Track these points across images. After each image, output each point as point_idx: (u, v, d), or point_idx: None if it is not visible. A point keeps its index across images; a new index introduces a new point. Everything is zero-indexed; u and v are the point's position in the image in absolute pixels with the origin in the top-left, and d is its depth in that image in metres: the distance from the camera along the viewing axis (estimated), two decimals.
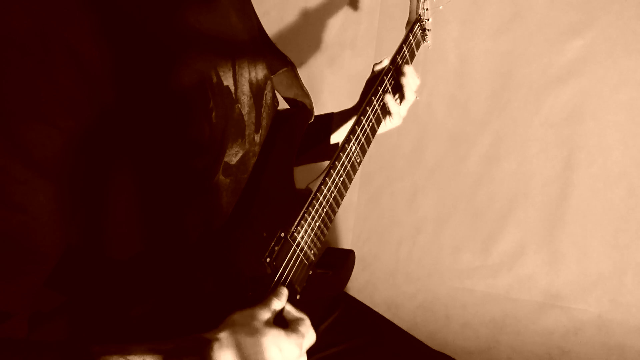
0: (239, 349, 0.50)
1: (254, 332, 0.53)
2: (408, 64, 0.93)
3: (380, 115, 0.88)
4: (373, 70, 0.92)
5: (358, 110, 0.86)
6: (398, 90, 0.90)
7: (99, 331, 0.49)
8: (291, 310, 0.62)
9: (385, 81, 0.86)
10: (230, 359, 0.50)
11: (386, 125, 0.92)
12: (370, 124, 0.85)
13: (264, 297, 0.61)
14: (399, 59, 0.90)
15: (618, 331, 1.43)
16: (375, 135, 0.88)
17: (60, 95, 0.42)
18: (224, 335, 0.51)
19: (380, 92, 0.86)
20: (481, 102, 1.61)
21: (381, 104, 0.86)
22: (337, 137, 0.96)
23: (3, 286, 0.43)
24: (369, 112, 0.84)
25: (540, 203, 1.54)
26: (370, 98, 0.84)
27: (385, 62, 0.90)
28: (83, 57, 0.43)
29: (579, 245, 1.49)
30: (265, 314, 0.57)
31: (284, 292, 0.63)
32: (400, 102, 0.90)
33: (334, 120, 0.96)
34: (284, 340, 0.55)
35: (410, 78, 0.88)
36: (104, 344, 0.45)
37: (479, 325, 1.61)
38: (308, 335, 0.60)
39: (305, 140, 0.81)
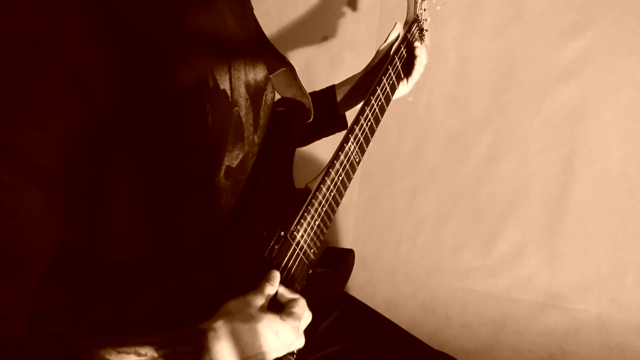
0: (235, 337, 0.50)
1: (249, 318, 0.53)
2: (394, 80, 0.96)
3: (379, 114, 0.88)
4: (386, 40, 0.98)
5: (366, 75, 0.96)
6: (410, 60, 0.96)
7: (96, 329, 0.49)
8: (284, 292, 0.62)
9: (401, 48, 0.93)
10: (227, 348, 0.50)
11: (399, 91, 0.98)
12: (369, 124, 0.85)
13: (257, 284, 0.60)
14: (392, 64, 0.90)
15: (618, 331, 1.43)
16: (385, 112, 0.91)
17: (52, 99, 0.42)
18: (218, 325, 0.51)
19: (403, 48, 0.93)
20: (481, 102, 1.61)
21: (391, 82, 0.91)
22: (346, 104, 1.00)
23: None
24: (367, 111, 0.84)
25: (540, 203, 1.54)
26: (375, 88, 0.85)
27: (397, 30, 0.96)
28: (76, 61, 0.43)
29: (579, 245, 1.49)
30: (259, 300, 0.57)
31: (276, 275, 0.62)
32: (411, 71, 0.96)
33: (338, 91, 0.99)
34: (279, 325, 0.55)
35: (422, 52, 0.95)
36: (95, 337, 0.45)
37: (479, 325, 1.61)
38: (304, 317, 0.60)
39: (315, 122, 0.83)
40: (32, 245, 0.44)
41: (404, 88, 0.99)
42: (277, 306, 0.60)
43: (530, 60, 1.51)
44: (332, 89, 1.00)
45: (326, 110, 0.98)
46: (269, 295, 0.59)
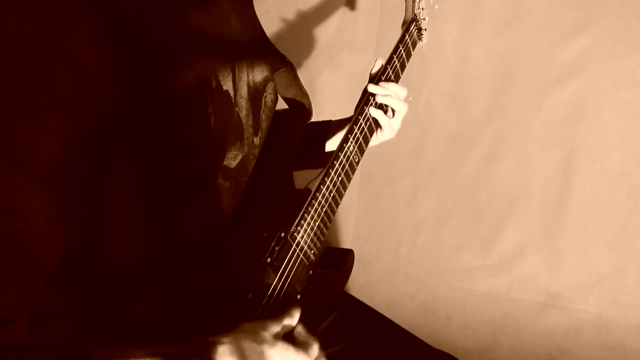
0: (242, 355, 0.50)
1: (261, 341, 0.53)
2: (392, 80, 0.89)
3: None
4: (370, 75, 0.90)
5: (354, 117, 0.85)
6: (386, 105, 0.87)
7: (100, 333, 0.49)
8: (302, 332, 0.61)
9: (370, 99, 0.85)
10: None
11: (378, 138, 0.91)
12: (368, 124, 0.85)
13: (277, 316, 0.60)
14: (391, 63, 0.89)
15: (618, 331, 1.43)
16: (369, 144, 0.86)
17: (59, 101, 0.42)
18: (228, 340, 0.50)
19: (368, 106, 0.84)
20: (481, 102, 1.61)
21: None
22: (332, 144, 0.95)
23: (1, 293, 0.42)
24: (367, 111, 0.84)
25: (540, 203, 1.54)
26: (368, 98, 0.84)
27: (378, 66, 0.88)
28: (81, 63, 0.43)
29: (579, 245, 1.49)
30: (276, 327, 0.57)
31: (297, 312, 0.62)
32: (393, 115, 0.89)
33: (331, 127, 0.95)
34: (292, 355, 0.54)
35: (393, 91, 0.85)
36: (105, 347, 0.45)
37: (479, 325, 1.61)
38: None
39: (300, 146, 0.81)
40: (40, 247, 0.44)
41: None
42: (292, 341, 0.59)
43: (530, 60, 1.51)
44: (326, 123, 0.96)
45: (314, 140, 0.94)
46: (286, 327, 0.59)
